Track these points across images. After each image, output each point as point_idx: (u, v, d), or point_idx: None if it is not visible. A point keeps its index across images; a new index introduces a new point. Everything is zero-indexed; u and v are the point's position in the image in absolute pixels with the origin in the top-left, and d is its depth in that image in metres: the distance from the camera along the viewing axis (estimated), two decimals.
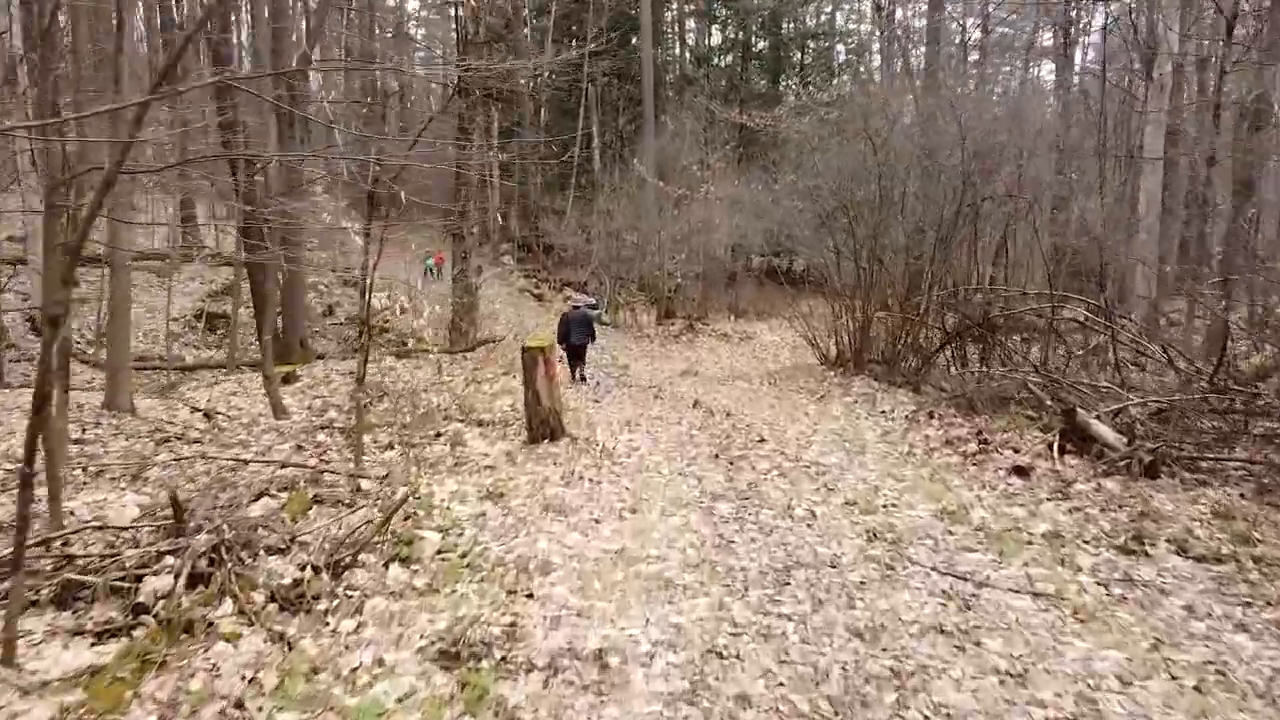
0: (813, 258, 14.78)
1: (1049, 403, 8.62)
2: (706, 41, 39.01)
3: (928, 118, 12.07)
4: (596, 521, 6.13)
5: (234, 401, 10.49)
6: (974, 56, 31.89)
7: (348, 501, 6.60)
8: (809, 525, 6.23)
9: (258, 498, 6.66)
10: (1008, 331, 11.20)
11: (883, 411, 9.98)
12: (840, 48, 39.34)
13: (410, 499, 6.62)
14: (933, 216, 11.35)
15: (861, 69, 39.19)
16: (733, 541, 5.84)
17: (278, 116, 15.49)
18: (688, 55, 40.60)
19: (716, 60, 38.51)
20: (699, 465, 8.16)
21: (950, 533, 6.04)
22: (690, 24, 41.07)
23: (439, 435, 9.02)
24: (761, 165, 26.28)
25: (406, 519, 6.28)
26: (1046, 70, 33.18)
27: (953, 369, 11.68)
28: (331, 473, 7.16)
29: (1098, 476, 6.85)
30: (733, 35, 37.57)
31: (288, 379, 11.76)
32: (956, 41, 31.40)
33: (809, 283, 31.10)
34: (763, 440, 9.14)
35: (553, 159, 35.45)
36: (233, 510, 6.18)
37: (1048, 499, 6.60)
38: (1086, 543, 5.69)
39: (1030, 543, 5.78)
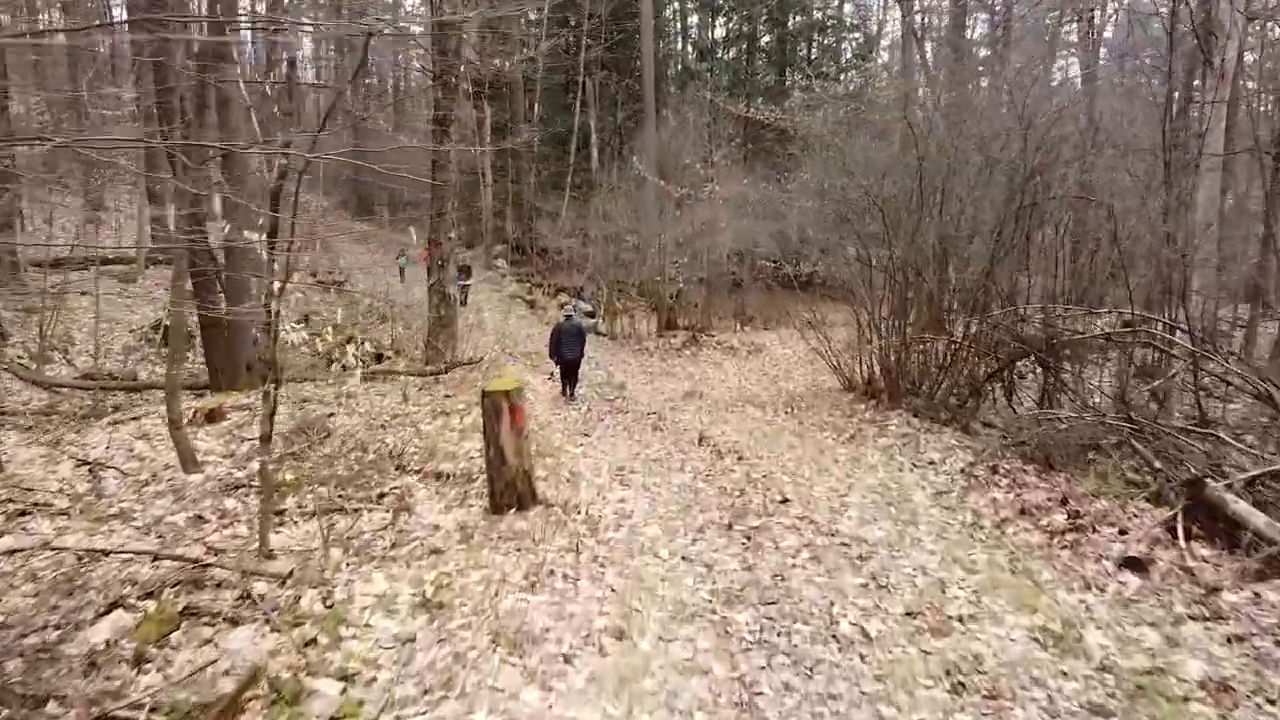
0: (832, 266, 12.96)
1: (1155, 464, 6.81)
2: (710, 34, 37.18)
3: (974, 106, 10.20)
4: (567, 660, 4.36)
5: (139, 448, 8.73)
6: (987, 50, 30.12)
7: (230, 615, 4.85)
8: (862, 657, 4.48)
9: (109, 609, 4.91)
10: (1072, 358, 9.41)
11: (931, 462, 8.17)
12: (849, 40, 37.50)
13: (317, 607, 4.91)
14: (986, 219, 9.57)
15: (875, 61, 37.54)
16: (759, 693, 4.09)
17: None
18: (690, 49, 38.82)
19: (721, 53, 36.70)
20: (707, 540, 6.40)
21: (1064, 674, 4.28)
22: (693, 18, 39.26)
23: (382, 496, 7.25)
24: (770, 163, 24.53)
25: (308, 645, 4.56)
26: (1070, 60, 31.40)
27: (1006, 403, 9.91)
28: (220, 567, 5.39)
29: (1249, 579, 5.07)
30: (737, 28, 35.79)
31: (214, 416, 9.97)
32: (980, 30, 29.60)
33: (819, 286, 29.52)
34: (786, 501, 7.36)
35: (548, 157, 33.69)
36: (59, 637, 4.47)
37: (1188, 615, 4.81)
38: (1276, 704, 3.93)
39: (1187, 699, 4.02)
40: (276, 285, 5.74)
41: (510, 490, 6.62)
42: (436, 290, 14.91)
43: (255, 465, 8.01)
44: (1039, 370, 9.87)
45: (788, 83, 34.12)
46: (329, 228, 38.38)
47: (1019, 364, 9.72)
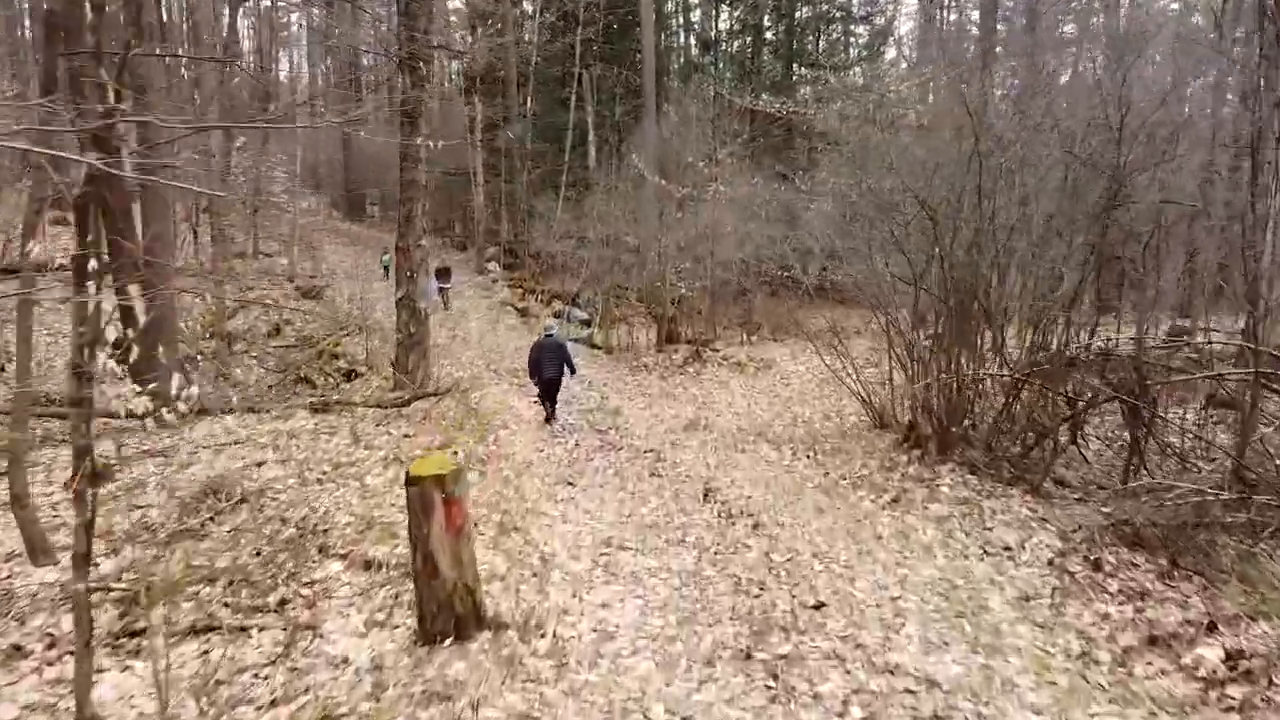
0: (857, 277, 11.12)
1: None
2: (714, 25, 35.33)
3: (1047, 87, 8.24)
4: None
5: None
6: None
7: None
8: None
9: None
10: (1167, 400, 7.60)
11: (1006, 547, 6.31)
12: (861, 31, 35.59)
13: None
14: (1063, 226, 7.72)
15: (883, 54, 35.68)
16: None
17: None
18: (693, 41, 37.00)
19: (725, 45, 34.87)
20: (719, 680, 4.61)
21: None
22: (696, 10, 37.38)
23: (284, 603, 5.45)
24: (784, 160, 22.71)
25: None
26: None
27: (1076, 451, 8.08)
28: None
29: None
30: (743, 18, 33.93)
31: (99, 476, 8.18)
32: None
33: (831, 290, 27.77)
34: (821, 605, 5.56)
35: (544, 155, 31.86)
36: None
37: None
38: None
39: None
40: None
41: (446, 612, 4.77)
42: (405, 304, 13.11)
43: (130, 554, 6.24)
44: (1120, 411, 8.04)
45: (795, 76, 32.33)
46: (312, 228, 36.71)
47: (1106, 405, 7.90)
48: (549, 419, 13.09)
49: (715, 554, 6.81)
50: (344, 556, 6.26)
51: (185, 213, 21.43)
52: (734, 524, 7.61)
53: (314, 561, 6.20)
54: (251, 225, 29.07)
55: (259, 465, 8.65)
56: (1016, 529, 6.61)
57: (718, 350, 19.14)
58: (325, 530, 6.77)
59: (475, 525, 6.75)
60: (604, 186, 24.19)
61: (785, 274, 19.71)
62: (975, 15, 33.73)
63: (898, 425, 10.66)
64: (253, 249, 28.32)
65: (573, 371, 13.14)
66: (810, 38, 34.59)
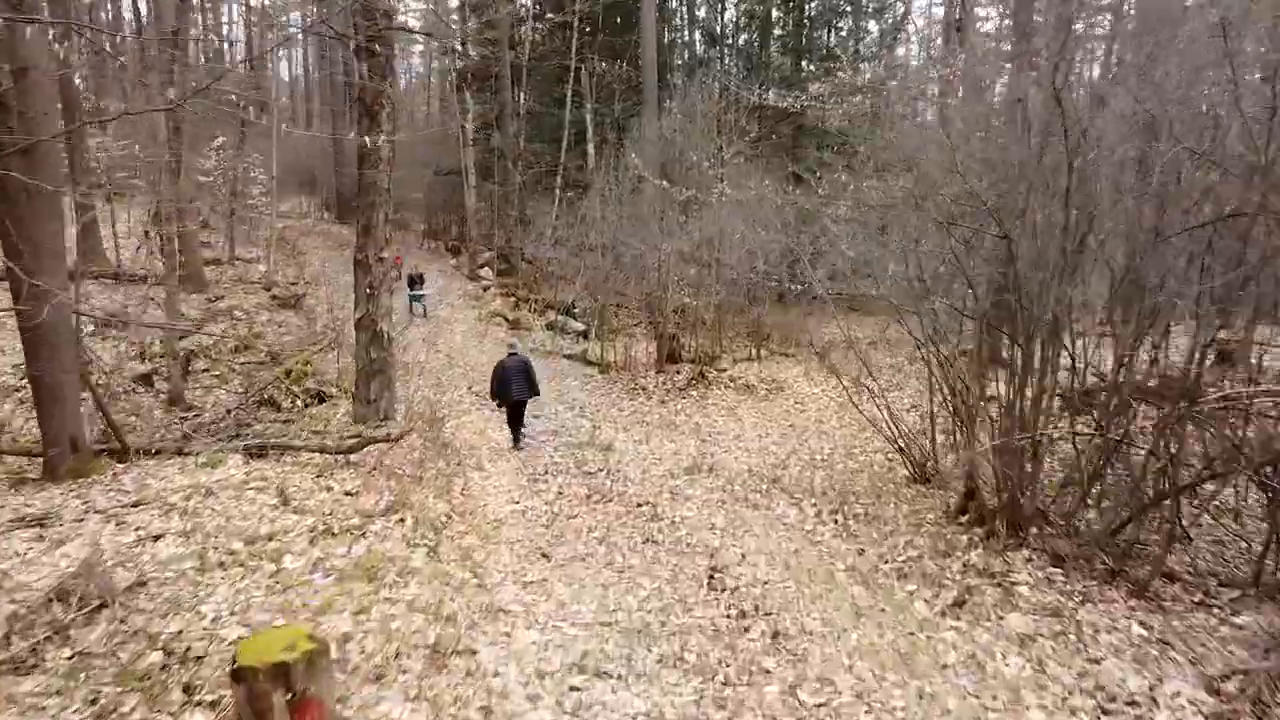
0: (900, 298, 9.35)
1: None
2: (720, 18, 33.57)
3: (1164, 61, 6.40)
4: None
5: None
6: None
7: None
8: None
9: None
10: None
11: (1131, 702, 4.54)
12: (873, 25, 33.78)
13: None
14: (1182, 246, 5.94)
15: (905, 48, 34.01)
16: None
17: None
18: (698, 35, 35.25)
19: (732, 39, 33.12)
20: None
21: None
22: (702, 5, 35.61)
23: None
24: (799, 160, 20.94)
25: None
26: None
27: (1178, 528, 6.32)
28: None
29: None
30: (750, 10, 32.14)
31: None
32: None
33: (843, 295, 25.98)
34: None
35: (541, 155, 30.12)
36: None
37: None
38: None
39: None
40: None
41: None
42: (365, 326, 11.40)
43: None
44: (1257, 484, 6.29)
45: (804, 73, 30.57)
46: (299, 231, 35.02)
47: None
48: (516, 444, 12.33)
49: (723, 684, 5.09)
50: (214, 706, 4.54)
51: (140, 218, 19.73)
52: (748, 629, 5.88)
53: (172, 713, 4.49)
54: (229, 229, 27.42)
55: (155, 540, 6.93)
56: (1133, 662, 4.85)
57: (724, 370, 17.37)
58: (201, 658, 5.04)
59: (399, 654, 5.04)
60: (600, 189, 22.46)
61: (799, 287, 17.94)
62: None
63: (940, 477, 8.92)
64: (229, 254, 26.64)
65: (536, 393, 12.65)
66: (820, 32, 32.89)
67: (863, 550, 7.28)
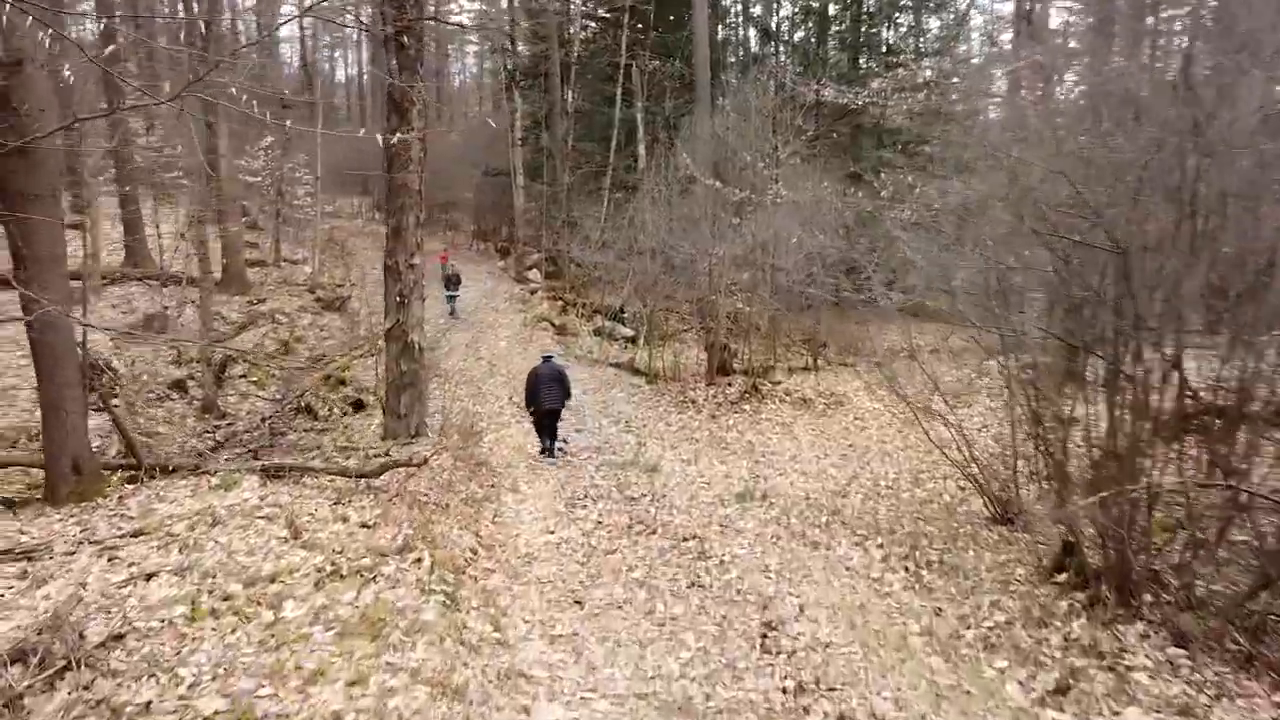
0: (980, 315, 8.34)
1: None
2: (775, 13, 32.52)
3: None
4: None
5: None
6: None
7: None
8: None
9: None
10: None
11: None
12: (934, 22, 32.40)
13: None
14: None
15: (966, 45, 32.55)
16: None
17: None
18: (752, 31, 34.26)
19: (788, 35, 32.08)
20: None
21: None
22: (756, 5, 34.59)
23: None
24: (860, 159, 19.87)
25: None
26: None
27: None
28: None
29: None
30: (807, 5, 31.07)
31: None
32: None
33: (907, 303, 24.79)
34: None
35: (592, 155, 29.40)
36: None
37: None
38: None
39: None
40: None
41: None
42: (396, 337, 10.73)
43: None
44: None
45: (862, 69, 29.38)
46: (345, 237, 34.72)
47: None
48: (545, 451, 11.91)
49: None
50: None
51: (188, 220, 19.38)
52: (807, 711, 4.99)
53: None
54: (275, 230, 27.18)
55: (147, 579, 6.26)
56: None
57: (779, 383, 16.42)
58: None
59: None
60: (651, 189, 21.61)
61: (861, 295, 16.88)
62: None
63: (1025, 517, 7.91)
64: (274, 255, 26.38)
65: (568, 397, 12.14)
66: (879, 27, 31.67)
67: (940, 609, 6.32)
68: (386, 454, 10.01)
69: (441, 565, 6.75)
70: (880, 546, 7.95)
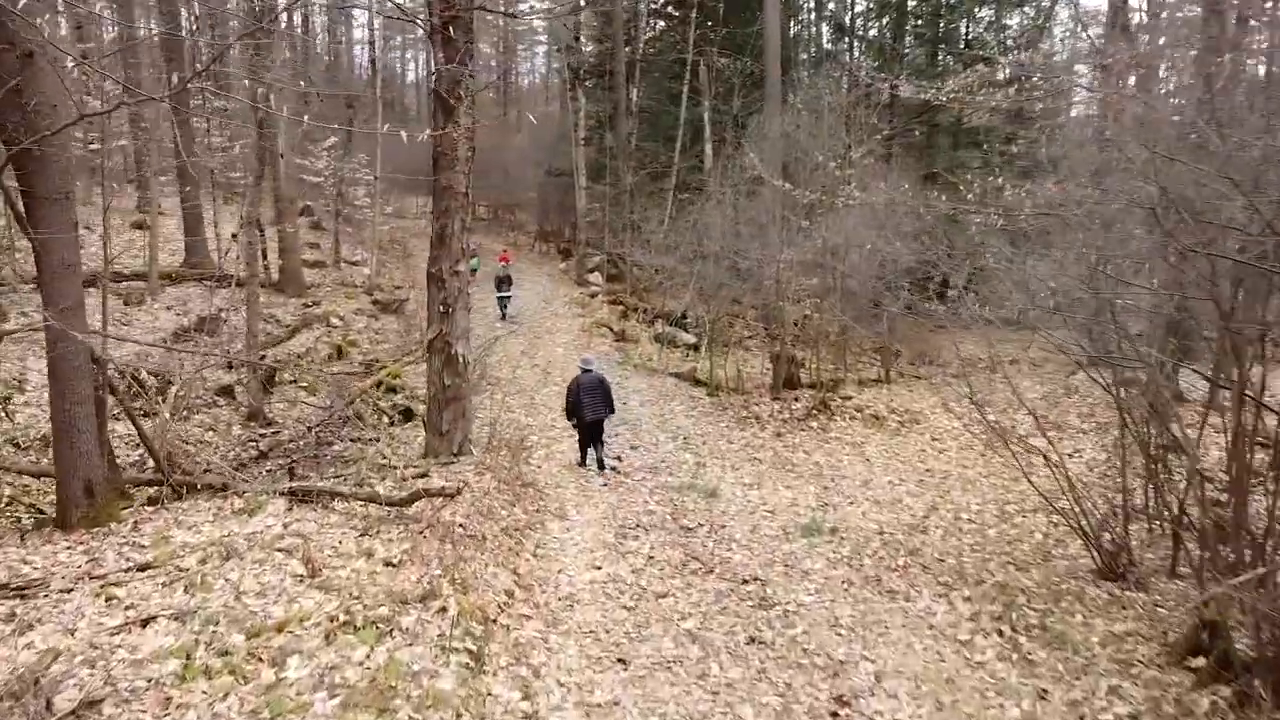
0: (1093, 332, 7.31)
1: None
2: (849, 6, 31.28)
3: None
4: None
5: None
6: None
7: None
8: None
9: None
10: None
11: None
12: (1015, 17, 30.72)
13: None
14: None
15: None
16: None
17: None
18: (825, 25, 33.06)
19: (862, 30, 30.83)
20: None
21: None
22: None
23: None
24: (945, 160, 18.66)
25: None
26: None
27: None
28: None
29: None
30: None
31: None
32: None
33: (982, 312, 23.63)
34: None
35: (657, 155, 28.58)
36: None
37: None
38: None
39: None
40: None
41: None
42: (438, 349, 10.06)
43: None
44: None
45: (940, 66, 27.97)
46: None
47: None
48: (587, 462, 11.62)
49: None
50: None
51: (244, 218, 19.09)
52: None
53: None
54: (335, 231, 26.97)
55: (144, 625, 5.65)
56: None
57: (849, 398, 15.38)
58: None
59: None
60: (717, 191, 20.70)
61: (940, 305, 15.75)
62: None
63: (1140, 575, 6.84)
64: (334, 257, 26.15)
65: (611, 411, 11.66)
66: (959, 22, 30.18)
67: (1045, 692, 5.33)
68: (425, 474, 9.33)
69: (468, 615, 5.99)
70: (968, 600, 6.97)
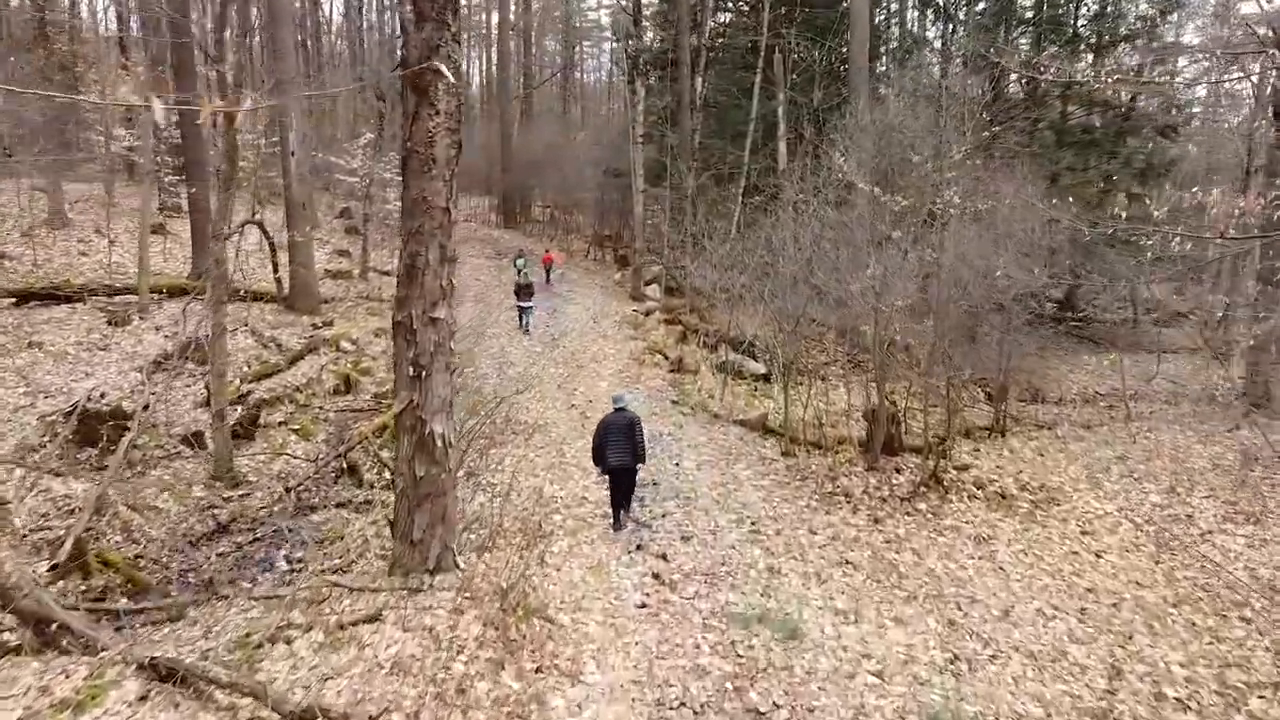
0: None
1: None
2: None
3: None
4: None
5: None
6: None
7: None
8: None
9: None
10: None
11: None
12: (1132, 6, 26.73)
13: None
14: None
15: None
16: None
17: None
18: (918, 10, 29.57)
19: (963, 14, 27.26)
20: None
21: None
22: None
23: None
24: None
25: None
26: None
27: None
28: None
29: None
30: None
31: None
32: None
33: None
34: None
35: (724, 155, 25.45)
36: None
37: None
38: None
39: None
40: None
41: None
42: (407, 424, 7.15)
43: None
44: None
45: (1044, 53, 24.28)
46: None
47: None
48: (617, 524, 9.94)
49: None
50: None
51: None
52: None
53: None
54: (364, 237, 24.45)
55: None
56: None
57: (965, 468, 12.08)
58: None
59: None
60: (794, 196, 17.45)
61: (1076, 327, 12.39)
62: None
63: None
64: (361, 266, 23.58)
65: (642, 460, 9.99)
66: (1067, 7, 26.44)
67: None
68: (376, 616, 6.41)
69: None
70: None
